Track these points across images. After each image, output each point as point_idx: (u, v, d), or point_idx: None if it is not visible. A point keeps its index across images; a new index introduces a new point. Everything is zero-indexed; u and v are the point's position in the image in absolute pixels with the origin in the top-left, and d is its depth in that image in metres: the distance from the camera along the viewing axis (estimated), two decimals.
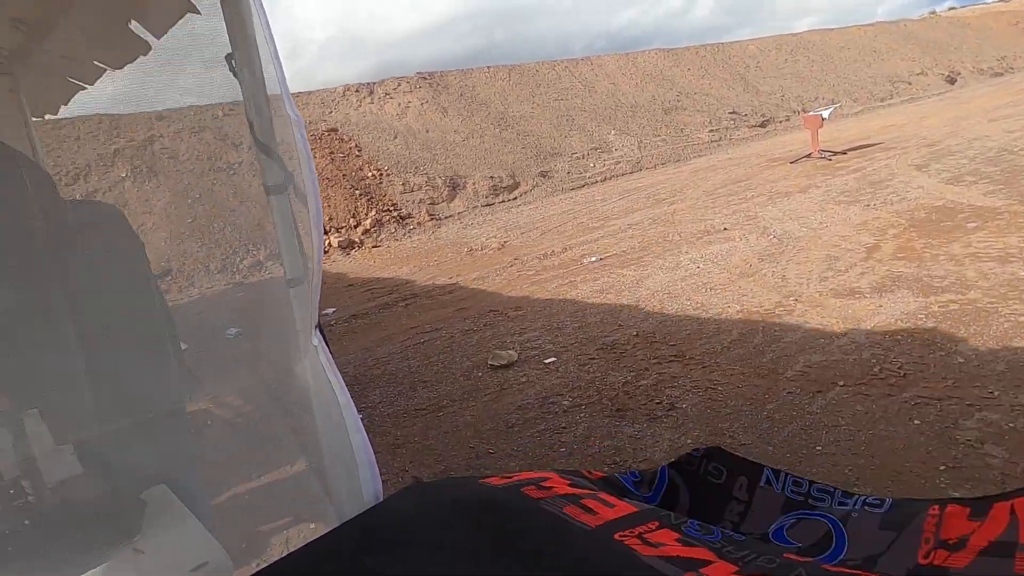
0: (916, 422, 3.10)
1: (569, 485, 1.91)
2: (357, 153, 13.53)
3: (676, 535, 1.63)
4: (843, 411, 3.32)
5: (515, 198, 13.48)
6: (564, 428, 3.64)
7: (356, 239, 11.39)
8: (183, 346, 2.37)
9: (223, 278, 10.14)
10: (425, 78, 16.30)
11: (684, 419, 3.52)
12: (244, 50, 1.59)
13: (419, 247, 10.68)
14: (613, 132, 16.48)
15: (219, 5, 1.63)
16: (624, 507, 1.72)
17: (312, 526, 2.88)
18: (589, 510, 1.68)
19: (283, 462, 3.21)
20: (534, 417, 3.83)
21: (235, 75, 1.63)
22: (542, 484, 1.83)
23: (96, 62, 3.03)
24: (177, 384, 2.10)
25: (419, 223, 12.17)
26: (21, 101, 3.62)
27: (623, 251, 7.59)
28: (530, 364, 4.67)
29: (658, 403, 3.75)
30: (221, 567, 1.53)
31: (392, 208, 12.35)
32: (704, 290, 5.60)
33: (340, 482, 1.83)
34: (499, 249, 9.19)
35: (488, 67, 17.57)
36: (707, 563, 1.49)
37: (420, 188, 12.99)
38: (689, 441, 3.30)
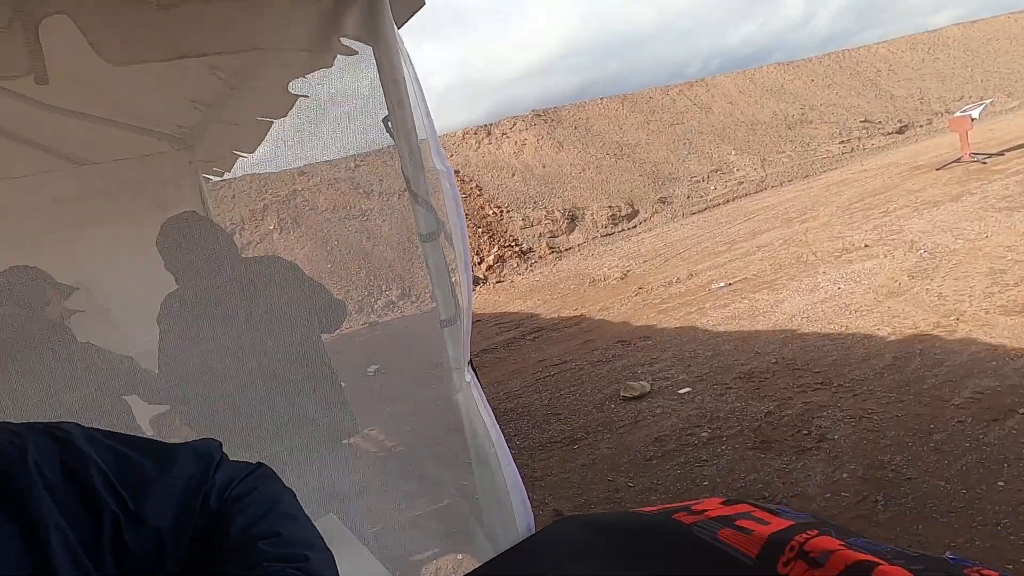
0: None
1: (722, 503, 1.85)
2: (478, 193, 14.03)
3: (840, 542, 1.53)
4: None
5: (634, 226, 13.37)
6: (705, 461, 3.53)
7: (480, 275, 11.75)
8: (342, 384, 2.56)
9: (360, 318, 10.80)
10: (539, 115, 16.70)
11: (837, 451, 3.30)
12: (399, 111, 1.75)
13: (541, 280, 10.84)
14: (733, 152, 15.98)
15: (375, 67, 1.80)
16: (778, 521, 1.65)
17: (459, 556, 2.97)
18: (744, 531, 1.62)
19: (430, 494, 3.36)
20: (672, 449, 3.75)
21: (391, 135, 1.79)
22: (694, 508, 1.79)
23: (259, 118, 3.38)
24: (343, 420, 2.28)
25: (540, 257, 12.36)
26: (197, 170, 4.13)
27: (753, 275, 7.30)
28: (664, 395, 4.58)
29: (806, 434, 3.54)
30: None
31: (513, 244, 12.64)
32: (848, 312, 5.25)
33: (493, 514, 1.89)
34: (622, 279, 9.13)
35: (601, 99, 17.71)
36: (877, 565, 1.39)
37: (539, 222, 13.22)
38: (845, 475, 3.08)
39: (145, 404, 2.80)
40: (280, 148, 3.41)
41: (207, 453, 0.83)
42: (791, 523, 1.70)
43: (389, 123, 1.77)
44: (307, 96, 2.64)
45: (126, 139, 3.70)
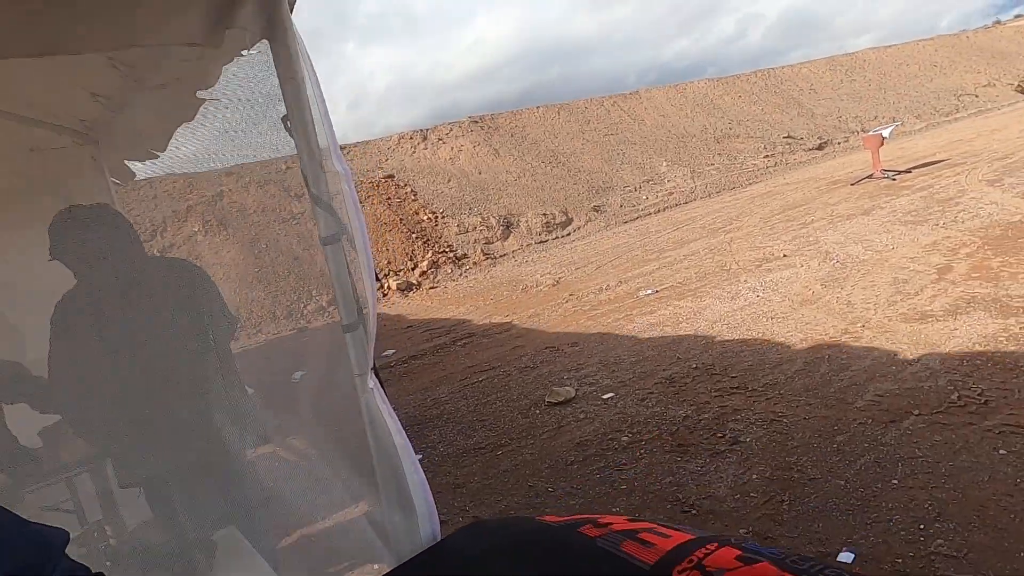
0: (1002, 452, 2.91)
1: (628, 520, 1.88)
2: (413, 198, 13.92)
3: (736, 552, 1.57)
4: (920, 442, 3.15)
5: (568, 234, 13.54)
6: (624, 465, 3.58)
7: (414, 281, 11.63)
8: (249, 390, 2.47)
9: (289, 323, 10.51)
10: (476, 121, 16.73)
11: (748, 453, 3.41)
12: (298, 110, 1.70)
13: (475, 287, 10.82)
14: (664, 163, 16.43)
15: (272, 66, 1.75)
16: (680, 536, 1.68)
17: (376, 567, 2.90)
18: (646, 544, 1.64)
19: (347, 504, 3.27)
20: (593, 454, 3.79)
21: (291, 134, 1.74)
22: (599, 522, 1.81)
23: (168, 122, 3.24)
24: (248, 430, 2.19)
25: (475, 263, 12.35)
26: (102, 167, 3.92)
27: (680, 282, 7.49)
28: (588, 400, 4.63)
29: (721, 437, 3.64)
30: None
31: (448, 249, 12.59)
32: (765, 319, 5.45)
33: (398, 523, 1.86)
34: (554, 285, 9.21)
35: (538, 107, 17.91)
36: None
37: (475, 229, 13.22)
38: (754, 476, 3.19)
39: (36, 413, 2.63)
40: (200, 148, 3.28)
41: (46, 544, 0.73)
42: (692, 536, 1.74)
43: (288, 122, 1.72)
44: (218, 100, 2.54)
45: (24, 132, 3.48)
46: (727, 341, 5.17)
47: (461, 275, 11.89)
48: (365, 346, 1.80)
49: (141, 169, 4.11)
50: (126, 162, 3.96)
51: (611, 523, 1.84)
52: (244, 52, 1.98)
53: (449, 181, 14.66)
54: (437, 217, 13.41)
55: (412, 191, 14.14)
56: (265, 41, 1.77)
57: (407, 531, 1.87)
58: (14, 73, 2.82)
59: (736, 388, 4.24)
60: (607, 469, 3.58)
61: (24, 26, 1.48)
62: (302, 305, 10.89)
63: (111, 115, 3.31)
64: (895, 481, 2.90)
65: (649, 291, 7.40)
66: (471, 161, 15.48)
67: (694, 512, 3.01)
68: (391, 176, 14.50)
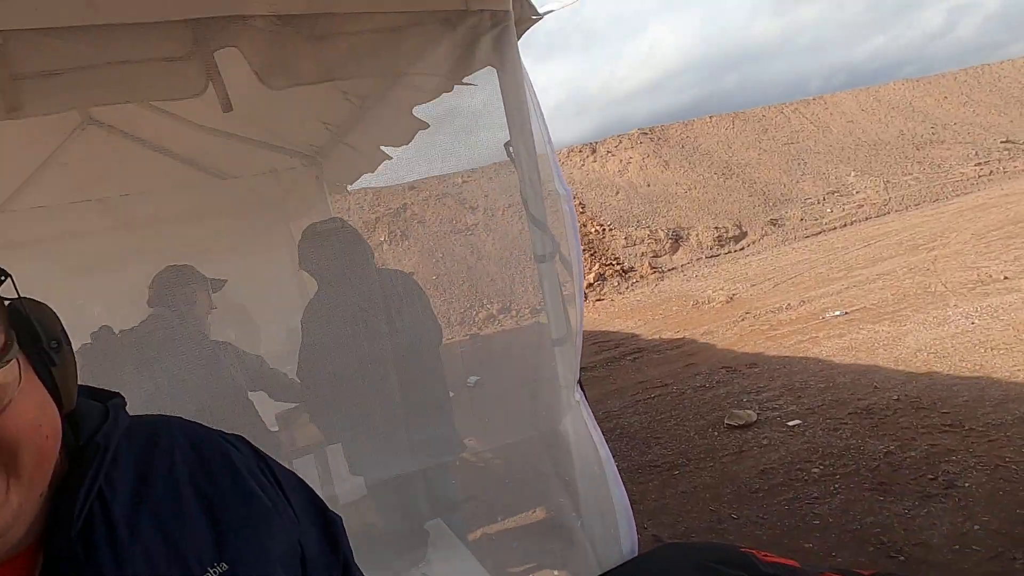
0: None
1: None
2: (581, 210, 14.07)
3: None
4: None
5: (742, 248, 12.93)
6: (816, 498, 3.35)
7: None
8: (451, 394, 2.66)
9: (461, 330, 11.08)
10: (645, 133, 16.55)
11: (968, 501, 3.04)
12: (521, 136, 1.82)
13: (642, 300, 10.69)
14: (853, 173, 15.13)
15: (493, 87, 1.88)
16: None
17: (556, 572, 2.98)
18: None
19: (526, 508, 3.39)
20: (780, 484, 3.59)
21: (512, 160, 1.86)
22: (807, 565, 1.73)
23: (381, 147, 3.59)
24: (457, 434, 2.37)
25: (641, 276, 12.20)
26: (323, 185, 4.43)
27: (873, 304, 6.86)
28: (771, 426, 4.40)
29: (932, 479, 3.29)
30: None
31: (615, 262, 12.56)
32: (983, 350, 4.83)
33: (597, 532, 1.91)
34: (727, 302, 8.84)
35: (710, 116, 17.33)
36: None
37: (642, 241, 13.07)
38: (977, 527, 2.84)
39: (271, 401, 3.03)
40: (396, 162, 3.58)
41: (340, 520, 0.87)
42: None
43: (510, 147, 1.85)
44: (428, 125, 2.77)
45: (264, 157, 4.04)
46: (935, 372, 4.65)
47: (628, 288, 11.81)
48: (573, 360, 1.87)
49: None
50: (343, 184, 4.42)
51: (790, 563, 1.75)
52: (465, 79, 2.16)
53: (617, 193, 14.64)
54: (604, 229, 13.44)
55: (580, 203, 14.29)
56: (486, 69, 1.92)
57: (605, 542, 1.92)
58: (259, 104, 3.29)
59: (949, 425, 3.80)
60: (796, 501, 3.38)
61: (306, 59, 1.74)
62: (474, 313, 11.43)
63: (336, 140, 3.74)
64: None
65: (837, 312, 6.85)
66: (640, 173, 15.34)
67: (902, 559, 2.75)
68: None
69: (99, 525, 0.61)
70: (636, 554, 1.88)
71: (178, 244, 3.83)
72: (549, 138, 1.76)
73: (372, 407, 2.11)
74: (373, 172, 3.79)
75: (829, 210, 13.93)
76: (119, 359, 2.28)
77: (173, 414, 0.83)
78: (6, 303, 0.60)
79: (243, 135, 3.70)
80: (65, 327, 0.66)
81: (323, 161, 4.25)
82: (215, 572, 0.64)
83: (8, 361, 0.55)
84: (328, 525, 0.83)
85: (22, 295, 0.62)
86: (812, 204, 14.15)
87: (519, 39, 1.82)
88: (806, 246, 11.99)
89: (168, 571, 0.62)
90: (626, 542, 1.82)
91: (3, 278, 0.60)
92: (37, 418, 0.58)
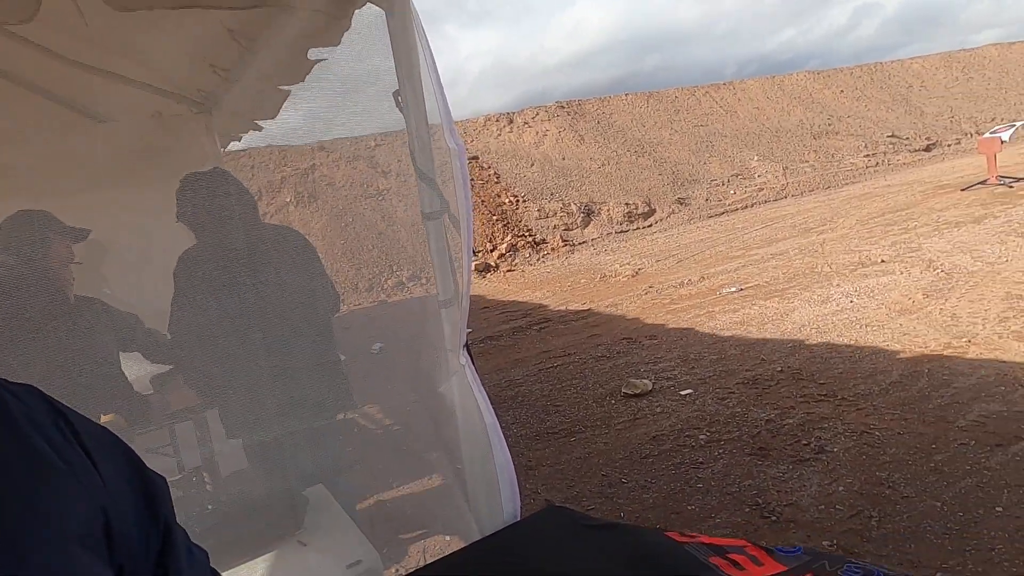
0: None
1: (711, 537, 1.83)
2: (496, 180, 14.00)
3: None
4: None
5: (650, 225, 13.29)
6: (701, 463, 3.50)
7: (492, 263, 11.73)
8: (341, 357, 2.56)
9: (369, 296, 10.84)
10: (563, 107, 16.60)
11: (835, 464, 3.26)
12: (410, 85, 1.72)
13: (552, 272, 10.81)
14: (756, 158, 15.83)
15: (388, 45, 1.78)
16: (774, 565, 1.63)
17: (448, 538, 2.97)
18: (736, 564, 1.60)
19: (422, 474, 3.36)
20: (669, 449, 3.73)
21: (401, 110, 1.77)
22: (685, 532, 1.78)
23: (280, 86, 3.36)
24: (342, 395, 2.28)
25: (553, 248, 12.32)
26: (215, 136, 4.13)
27: (766, 282, 7.23)
28: (665, 395, 4.56)
29: (805, 444, 3.50)
30: (373, 567, 1.63)
31: (527, 233, 12.61)
32: (858, 326, 5.19)
33: (481, 498, 1.89)
34: (633, 276, 9.08)
35: (626, 94, 17.58)
36: None
37: (555, 214, 13.18)
38: (841, 489, 3.05)
39: (147, 362, 2.82)
40: (301, 121, 3.39)
41: (164, 485, 0.76)
42: (784, 568, 1.68)
43: (399, 97, 1.75)
44: (325, 59, 2.59)
45: (148, 100, 3.71)
46: (816, 346, 4.96)
47: (539, 260, 11.90)
48: (459, 323, 1.82)
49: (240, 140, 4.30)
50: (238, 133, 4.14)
51: (696, 536, 1.80)
52: (355, 25, 2.02)
53: (532, 165, 14.65)
54: (518, 201, 13.45)
55: (495, 173, 14.22)
56: (376, 14, 1.80)
57: (489, 508, 1.90)
58: (142, 43, 3.00)
59: (824, 395, 4.06)
60: (683, 466, 3.52)
61: None
62: (383, 279, 11.19)
63: (226, 86, 3.47)
64: (999, 508, 2.71)
65: (733, 288, 7.17)
66: (555, 146, 15.40)
67: (774, 519, 2.91)
68: (475, 158, 14.62)
69: None
70: (519, 518, 1.88)
71: (44, 191, 3.47)
72: (442, 90, 1.67)
73: (250, 367, 1.98)
74: (273, 118, 3.55)
75: (732, 192, 14.53)
76: None
77: (21, 373, 0.70)
78: None
79: (125, 74, 3.38)
80: None
81: (214, 109, 3.96)
82: None
83: None
84: (147, 486, 0.72)
85: None
86: (717, 185, 14.71)
87: None
88: (710, 225, 12.47)
89: None
90: (508, 506, 1.81)
91: None
92: None
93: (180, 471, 2.89)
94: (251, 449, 2.20)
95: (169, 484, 0.81)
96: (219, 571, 0.82)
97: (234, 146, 4.45)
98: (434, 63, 1.70)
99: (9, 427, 0.61)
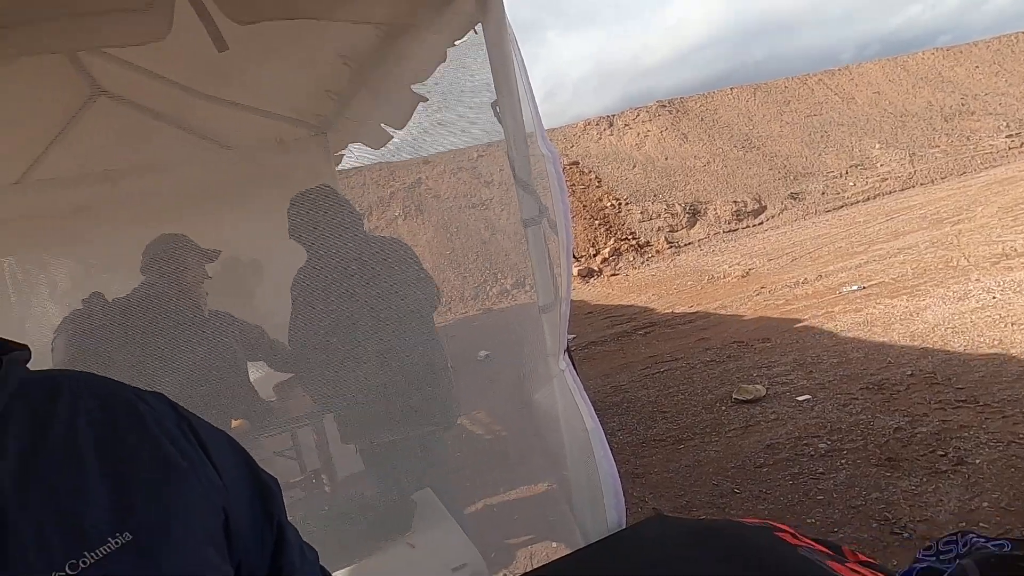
0: None
1: (823, 545, 1.72)
2: (597, 184, 13.91)
3: None
4: None
5: (761, 223, 12.71)
6: (822, 474, 3.29)
7: (595, 268, 11.65)
8: (449, 366, 2.63)
9: (475, 304, 11.07)
10: (664, 106, 16.24)
11: (978, 477, 2.96)
12: (506, 96, 1.75)
13: (657, 275, 10.58)
14: (877, 146, 14.74)
15: (486, 58, 1.82)
16: None
17: (554, 545, 2.97)
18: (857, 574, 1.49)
19: (530, 480, 3.38)
20: (785, 459, 3.53)
21: (499, 120, 1.80)
22: (797, 534, 1.68)
23: (382, 125, 3.53)
24: (450, 401, 2.34)
25: (657, 251, 12.07)
26: (330, 156, 4.38)
27: (892, 279, 6.70)
28: (780, 401, 4.33)
29: (942, 455, 3.21)
30: (479, 571, 1.66)
31: (630, 236, 12.43)
32: (1003, 325, 4.69)
33: (584, 505, 1.87)
34: (743, 277, 8.71)
35: (731, 88, 16.94)
36: None
37: (659, 216, 12.90)
38: (985, 504, 2.76)
39: (271, 371, 3.03)
40: (407, 138, 3.53)
41: (277, 487, 0.82)
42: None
43: (497, 107, 1.78)
44: (426, 99, 2.70)
45: (270, 127, 4.00)
46: (952, 347, 4.53)
47: (643, 263, 11.69)
48: (559, 327, 1.82)
49: (351, 158, 4.52)
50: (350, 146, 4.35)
51: (807, 542, 1.70)
52: (456, 43, 2.09)
53: (634, 167, 14.43)
54: (620, 204, 13.28)
55: (596, 178, 14.12)
56: (473, 33, 1.85)
57: (593, 515, 1.88)
58: (264, 74, 3.24)
59: (963, 401, 3.70)
60: (802, 476, 3.32)
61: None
62: (488, 287, 11.40)
63: (339, 109, 3.69)
64: None
65: (854, 287, 6.71)
66: (657, 147, 15.09)
67: (906, 535, 2.69)
68: (575, 163, 14.60)
69: None
70: (623, 526, 1.85)
71: (181, 214, 3.82)
72: (533, 97, 1.69)
73: (363, 375, 2.08)
74: (375, 148, 3.71)
75: (852, 184, 13.61)
76: (111, 327, 2.28)
77: (162, 381, 0.77)
78: None
79: (249, 104, 3.67)
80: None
81: (328, 132, 4.21)
82: (116, 542, 0.58)
83: None
84: (261, 489, 0.77)
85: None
86: (834, 177, 13.84)
87: None
88: (827, 220, 11.75)
89: (61, 540, 0.56)
90: (612, 514, 1.79)
91: None
92: None
93: (301, 472, 3.09)
94: (365, 453, 2.31)
95: (291, 485, 0.87)
96: (329, 570, 0.86)
97: (346, 163, 4.70)
98: (526, 72, 1.72)
99: (143, 431, 0.67)
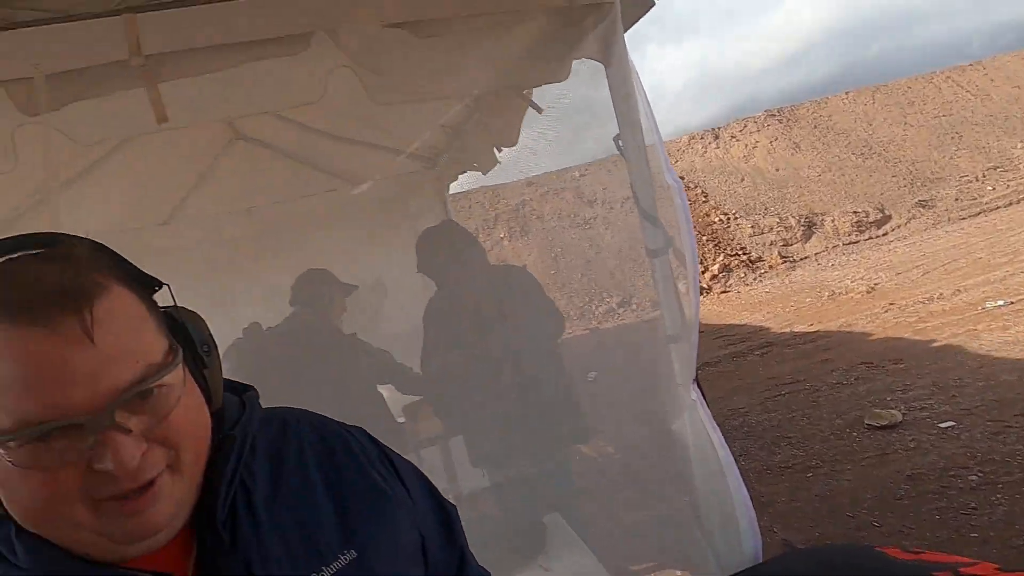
0: None
1: (998, 570, 1.60)
2: (703, 199, 13.57)
3: None
4: None
5: (885, 234, 11.90)
6: (974, 509, 3.04)
7: (704, 285, 11.34)
8: (589, 377, 2.68)
9: (580, 324, 11.07)
10: (773, 115, 15.64)
11: None
12: (629, 129, 1.80)
13: (772, 292, 10.14)
14: (1020, 145, 13.44)
15: (605, 83, 1.87)
16: None
17: (679, 573, 2.91)
18: None
19: (651, 506, 3.34)
20: (931, 491, 3.29)
21: (622, 154, 1.84)
22: (960, 570, 1.57)
23: (494, 148, 3.65)
24: (580, 427, 2.39)
25: (771, 266, 11.58)
26: (442, 186, 4.58)
27: None
28: (919, 427, 4.03)
29: None
30: None
31: (740, 252, 12.01)
32: None
33: (719, 535, 1.85)
34: (868, 293, 8.19)
35: (847, 92, 16.06)
36: None
37: (771, 230, 12.39)
38: None
39: (399, 393, 3.19)
40: (511, 158, 3.63)
41: (455, 511, 0.87)
42: None
43: (619, 141, 1.83)
44: (541, 110, 2.75)
45: (389, 161, 4.25)
46: None
47: (756, 279, 11.25)
48: (689, 357, 1.82)
49: (455, 184, 4.69)
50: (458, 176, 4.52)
51: (978, 574, 1.59)
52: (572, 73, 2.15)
53: (743, 180, 13.97)
54: (729, 218, 12.88)
55: (702, 192, 13.79)
56: (586, 61, 1.91)
57: (727, 545, 1.85)
58: (389, 115, 3.46)
59: None
60: (950, 511, 3.08)
61: (415, 76, 1.82)
62: (593, 306, 11.37)
63: (450, 141, 3.87)
64: None
65: (1000, 302, 6.14)
66: (767, 158, 14.53)
67: None
68: (680, 178, 14.30)
69: (242, 512, 0.65)
70: (760, 559, 1.80)
71: (313, 248, 4.12)
72: (657, 130, 1.72)
73: (491, 401, 2.17)
74: (484, 174, 3.84)
75: (990, 188, 12.48)
76: (267, 352, 2.51)
77: (313, 403, 0.88)
78: (164, 311, 0.66)
79: (370, 142, 3.92)
80: (213, 326, 0.72)
81: (440, 161, 4.41)
82: (345, 559, 0.66)
83: (176, 365, 0.60)
84: (445, 516, 0.85)
85: (176, 303, 0.69)
86: (969, 182, 12.74)
87: (627, 30, 1.79)
88: (962, 229, 10.83)
89: (303, 555, 0.65)
90: (748, 545, 1.75)
91: (158, 287, 0.67)
92: (197, 417, 0.63)
93: None
94: (495, 477, 2.39)
95: None
96: None
97: (452, 189, 4.89)
98: (649, 106, 1.76)
99: (355, 460, 0.76)
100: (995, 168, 12.97)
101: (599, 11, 1.69)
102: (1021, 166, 12.90)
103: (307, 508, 0.69)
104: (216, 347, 0.71)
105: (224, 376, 0.73)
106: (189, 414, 0.62)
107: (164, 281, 0.67)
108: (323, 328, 2.59)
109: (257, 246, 4.21)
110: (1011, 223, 10.07)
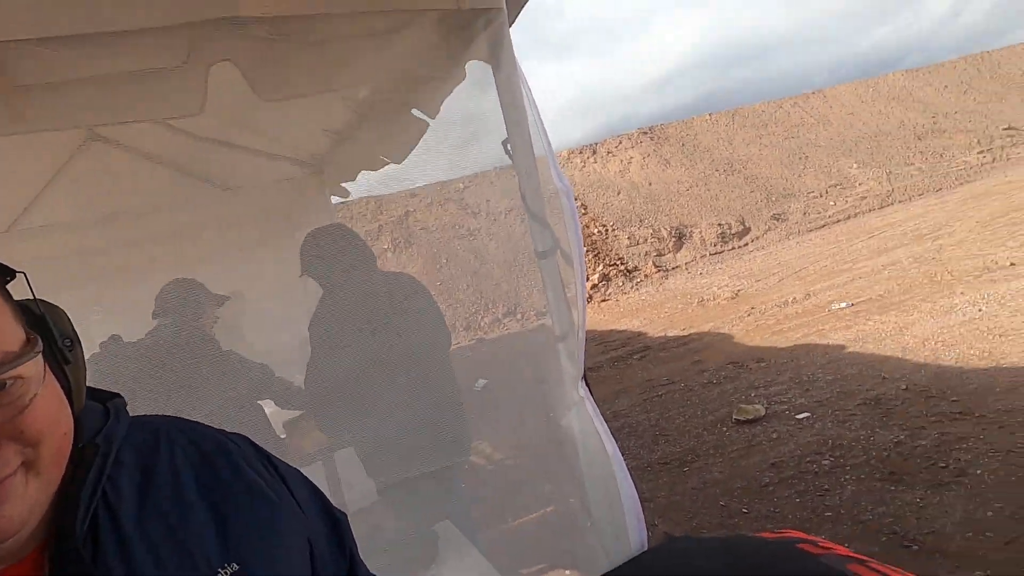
0: None
1: (848, 549, 1.76)
2: (583, 212, 14.07)
3: None
4: None
5: (746, 244, 12.90)
6: (827, 490, 3.34)
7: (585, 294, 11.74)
8: (477, 387, 2.66)
9: (468, 334, 11.08)
10: (645, 133, 16.54)
11: (981, 487, 3.03)
12: (518, 132, 1.83)
13: (647, 299, 10.68)
14: (855, 165, 15.09)
15: (494, 91, 1.89)
16: None
17: (568, 572, 2.97)
18: (880, 573, 1.53)
19: (539, 508, 3.39)
20: (790, 477, 3.58)
21: (510, 156, 1.87)
22: (820, 543, 1.72)
23: (382, 157, 3.60)
24: (465, 435, 2.38)
25: (646, 275, 12.19)
26: (327, 193, 4.44)
27: (879, 295, 6.84)
28: (780, 419, 4.38)
29: (943, 467, 3.27)
30: None
31: (618, 262, 12.55)
32: (992, 336, 4.81)
33: (607, 528, 1.90)
34: (732, 298, 8.83)
35: (709, 114, 17.30)
36: None
37: (645, 241, 13.06)
38: (990, 514, 2.82)
39: (279, 408, 3.03)
40: (397, 170, 3.59)
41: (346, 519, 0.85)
42: None
43: (508, 145, 1.85)
44: (428, 125, 2.76)
45: (268, 167, 4.06)
46: (944, 360, 4.63)
47: (633, 288, 11.80)
48: (576, 356, 1.87)
49: (335, 197, 4.57)
50: (342, 184, 4.42)
51: (831, 547, 1.75)
52: (461, 83, 2.17)
53: (619, 194, 14.64)
54: (607, 230, 13.44)
55: (582, 205, 14.29)
56: (481, 71, 1.93)
57: (616, 538, 1.91)
58: (264, 117, 3.31)
59: (960, 413, 3.78)
60: (808, 494, 3.37)
61: (301, 71, 1.75)
62: (479, 317, 11.43)
63: (336, 146, 3.76)
64: None
65: (843, 304, 6.83)
66: (641, 173, 15.33)
67: (915, 548, 2.74)
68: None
69: (105, 527, 0.60)
70: (645, 549, 1.88)
71: (184, 257, 3.85)
72: (546, 134, 1.76)
73: (382, 410, 2.11)
74: (375, 171, 3.75)
75: (832, 203, 13.89)
76: (128, 368, 2.29)
77: (186, 414, 0.81)
78: (21, 303, 0.60)
79: (246, 146, 3.73)
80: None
81: (325, 168, 4.27)
82: (225, 572, 0.62)
83: (35, 356, 0.55)
84: (334, 522, 0.81)
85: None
86: (815, 197, 14.12)
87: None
88: (810, 239, 11.97)
89: (178, 572, 0.61)
90: (635, 537, 1.82)
91: (10, 277, 0.60)
92: (57, 414, 0.58)
93: None
94: (383, 488, 2.32)
95: None
96: None
97: (333, 199, 4.75)
98: (536, 109, 1.80)
99: (235, 468, 0.72)
100: (835, 186, 14.46)
101: (487, 15, 1.71)
102: (856, 184, 14.47)
103: (181, 520, 0.64)
104: (80, 343, 0.64)
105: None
106: (49, 410, 0.56)
107: (19, 270, 0.60)
108: (191, 341, 2.40)
109: (118, 256, 3.88)
110: (850, 235, 11.25)
